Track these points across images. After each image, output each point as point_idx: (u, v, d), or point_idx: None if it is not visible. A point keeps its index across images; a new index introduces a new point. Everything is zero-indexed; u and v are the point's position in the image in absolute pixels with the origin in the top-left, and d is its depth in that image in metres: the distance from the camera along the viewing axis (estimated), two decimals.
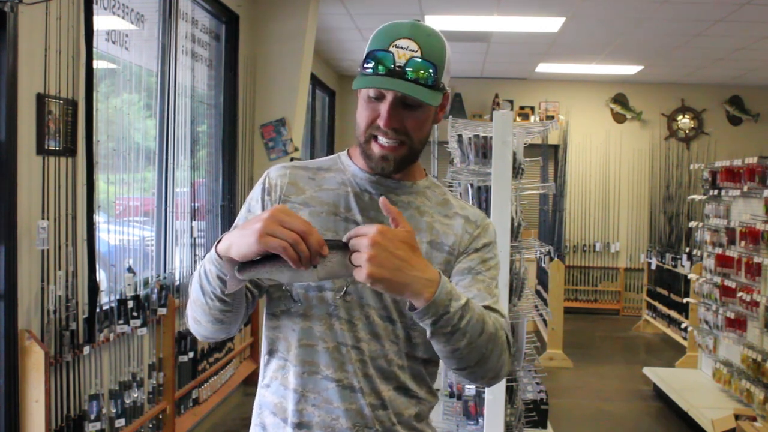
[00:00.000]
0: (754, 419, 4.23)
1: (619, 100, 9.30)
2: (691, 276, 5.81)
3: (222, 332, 1.31)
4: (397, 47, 1.25)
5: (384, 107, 1.27)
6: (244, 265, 1.13)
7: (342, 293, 1.29)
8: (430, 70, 1.25)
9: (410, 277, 1.11)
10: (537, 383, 4.11)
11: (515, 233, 3.53)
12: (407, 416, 1.34)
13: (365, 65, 1.27)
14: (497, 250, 1.43)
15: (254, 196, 1.41)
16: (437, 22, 6.29)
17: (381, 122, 1.28)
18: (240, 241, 1.11)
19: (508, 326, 1.30)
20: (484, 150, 3.57)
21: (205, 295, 1.22)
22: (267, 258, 1.12)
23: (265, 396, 1.40)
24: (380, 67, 1.24)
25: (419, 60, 1.24)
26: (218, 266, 1.17)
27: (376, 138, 1.30)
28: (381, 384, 1.31)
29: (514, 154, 3.36)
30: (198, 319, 1.29)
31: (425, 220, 1.37)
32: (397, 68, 1.24)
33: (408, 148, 1.32)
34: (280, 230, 1.07)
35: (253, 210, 1.40)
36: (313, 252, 1.08)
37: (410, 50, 1.25)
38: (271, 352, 1.38)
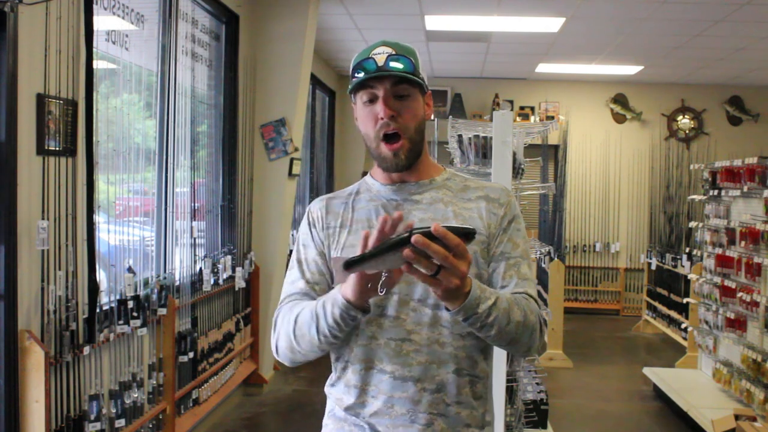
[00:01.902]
0: (754, 419, 4.23)
1: (619, 100, 9.30)
2: (691, 276, 5.81)
3: (318, 355, 1.50)
4: (376, 54, 1.48)
5: (379, 102, 1.47)
6: (350, 264, 1.26)
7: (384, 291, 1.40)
8: (407, 61, 1.48)
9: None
10: (537, 383, 4.11)
11: None
12: (464, 395, 1.48)
13: (355, 75, 1.48)
14: (522, 221, 1.58)
15: (303, 231, 1.62)
16: (437, 22, 6.29)
17: (381, 114, 1.46)
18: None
19: (536, 301, 1.48)
20: (484, 150, 3.57)
21: (320, 333, 1.41)
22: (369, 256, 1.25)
23: (331, 393, 1.57)
24: (366, 71, 1.47)
25: (396, 56, 1.47)
26: (343, 308, 1.35)
27: (384, 140, 1.49)
28: (436, 369, 1.45)
29: (514, 154, 3.36)
30: (300, 351, 1.47)
31: (450, 209, 1.53)
32: (379, 67, 1.46)
33: (409, 140, 1.49)
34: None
35: (306, 244, 1.59)
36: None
37: (386, 52, 1.48)
38: (336, 358, 1.55)
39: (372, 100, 1.48)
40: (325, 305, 1.39)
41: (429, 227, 1.21)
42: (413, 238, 1.19)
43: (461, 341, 1.47)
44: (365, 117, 1.50)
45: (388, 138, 1.48)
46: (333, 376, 1.56)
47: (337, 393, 1.53)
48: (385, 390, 1.45)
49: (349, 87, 1.49)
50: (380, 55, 1.46)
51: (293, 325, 1.46)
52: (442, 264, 1.22)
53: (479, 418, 1.51)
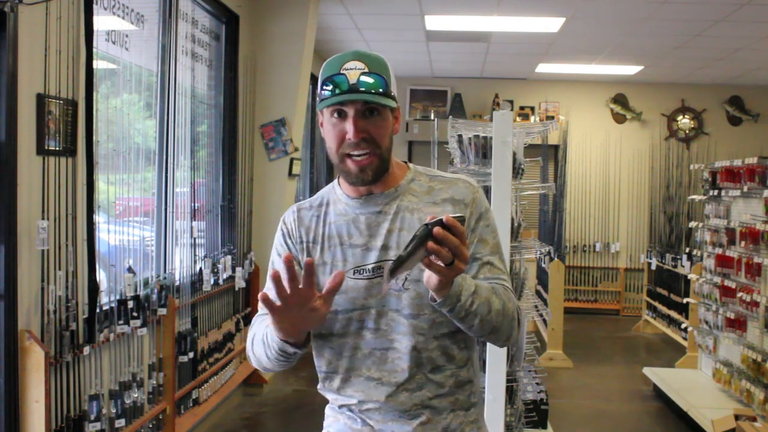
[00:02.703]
0: (754, 419, 4.23)
1: (619, 100, 9.30)
2: (691, 276, 5.81)
3: (286, 368, 1.54)
4: (347, 69, 1.43)
5: (349, 122, 1.44)
6: (392, 271, 1.30)
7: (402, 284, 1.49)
8: (380, 78, 1.44)
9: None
10: (537, 383, 4.11)
11: (515, 233, 3.53)
12: (447, 386, 1.53)
13: (324, 89, 1.45)
14: (491, 214, 1.59)
15: (278, 242, 1.63)
16: (437, 22, 6.29)
17: (350, 135, 1.44)
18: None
19: (512, 291, 1.53)
20: (484, 150, 3.57)
21: (271, 360, 1.49)
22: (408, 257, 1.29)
23: (323, 393, 1.63)
24: (337, 89, 1.43)
25: (368, 73, 1.43)
26: (280, 343, 1.42)
27: (349, 156, 1.47)
28: (417, 371, 1.50)
29: (514, 154, 3.36)
30: (262, 363, 1.54)
31: (416, 217, 1.53)
32: (351, 85, 1.42)
33: (378, 157, 1.48)
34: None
35: (281, 254, 1.60)
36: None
37: (358, 69, 1.43)
38: (320, 368, 1.59)
39: (340, 115, 1.45)
40: (269, 335, 1.45)
41: (441, 218, 1.26)
42: (435, 230, 1.24)
43: (436, 342, 1.51)
44: (332, 131, 1.47)
45: (356, 156, 1.46)
46: (320, 385, 1.61)
47: (328, 395, 1.61)
48: (372, 394, 1.51)
49: (319, 104, 1.47)
50: (352, 71, 1.43)
51: (252, 344, 1.55)
52: (454, 252, 1.26)
53: (464, 401, 1.56)
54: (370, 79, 1.43)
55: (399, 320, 1.49)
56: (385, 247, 1.50)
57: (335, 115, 1.46)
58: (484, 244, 1.54)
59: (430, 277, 1.33)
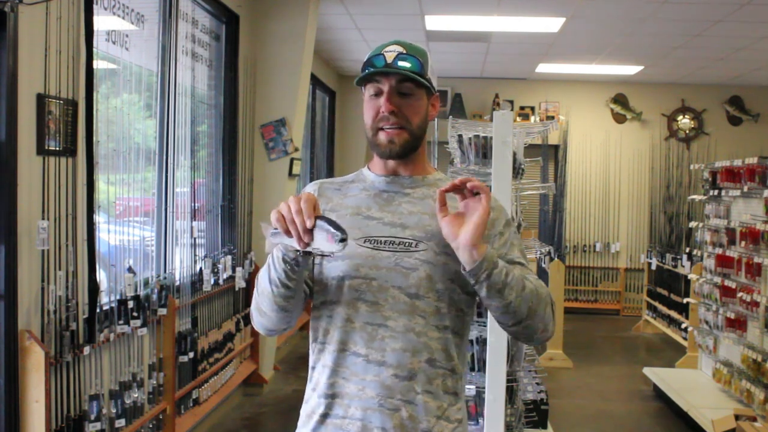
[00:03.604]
0: (754, 419, 4.23)
1: (619, 100, 9.30)
2: (691, 276, 5.81)
3: (284, 322, 1.51)
4: (387, 51, 1.54)
5: (383, 98, 1.53)
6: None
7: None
8: (416, 61, 1.53)
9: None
10: (537, 383, 4.11)
11: None
12: (435, 386, 1.50)
13: (365, 69, 1.54)
14: (512, 222, 1.63)
15: None
16: (437, 22, 6.29)
17: (383, 109, 1.52)
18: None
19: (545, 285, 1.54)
20: (484, 150, 3.57)
21: (272, 283, 1.44)
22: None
23: (312, 377, 1.58)
24: (374, 67, 1.53)
25: (405, 55, 1.53)
26: (283, 249, 1.40)
27: (381, 128, 1.54)
28: (409, 357, 1.48)
29: (514, 154, 3.36)
30: (263, 310, 1.50)
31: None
32: (387, 63, 1.52)
33: (408, 133, 1.55)
34: (284, 209, 1.36)
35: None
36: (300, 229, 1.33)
37: (396, 51, 1.53)
38: (314, 339, 1.58)
39: (377, 94, 1.54)
40: (274, 253, 1.44)
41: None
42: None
43: (437, 333, 1.50)
44: (368, 108, 1.56)
45: (387, 128, 1.54)
46: (312, 358, 1.58)
47: (315, 375, 1.56)
48: (358, 372, 1.48)
49: (356, 79, 1.57)
50: (390, 53, 1.52)
51: (256, 293, 1.52)
52: (475, 188, 1.41)
53: (448, 412, 1.52)
54: (406, 63, 1.52)
55: (400, 298, 1.49)
56: (402, 226, 1.53)
57: (372, 93, 1.55)
58: (513, 247, 1.57)
59: (463, 232, 1.39)
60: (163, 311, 3.77)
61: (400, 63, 1.51)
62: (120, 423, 3.35)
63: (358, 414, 1.47)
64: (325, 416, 1.51)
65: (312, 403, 1.55)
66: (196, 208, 4.60)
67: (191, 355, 4.21)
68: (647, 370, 5.85)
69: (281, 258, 1.41)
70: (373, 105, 1.55)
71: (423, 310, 1.49)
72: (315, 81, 7.73)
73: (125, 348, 3.48)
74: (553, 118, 9.02)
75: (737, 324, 4.77)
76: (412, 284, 1.48)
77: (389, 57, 1.52)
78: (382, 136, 1.54)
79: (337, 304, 1.51)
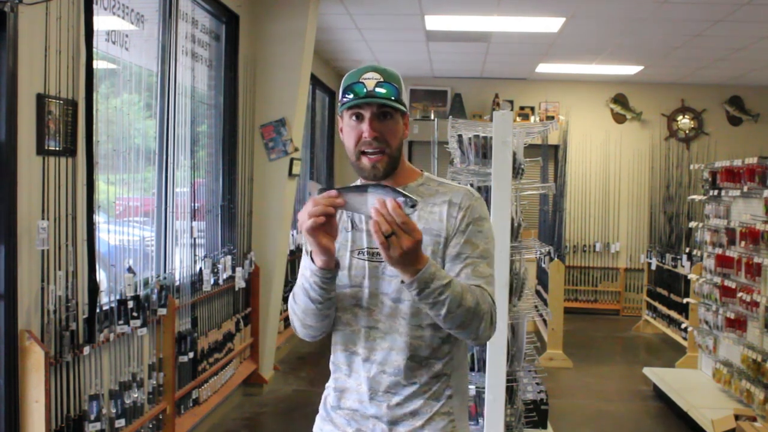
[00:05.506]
0: (754, 419, 4.24)
1: (619, 100, 9.30)
2: (691, 276, 5.81)
3: (328, 327, 1.74)
4: (365, 78, 1.67)
5: (365, 122, 1.66)
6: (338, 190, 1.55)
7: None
8: (392, 88, 1.68)
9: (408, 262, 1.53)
10: (537, 383, 4.11)
11: (515, 233, 3.53)
12: (419, 376, 1.69)
13: (345, 96, 1.67)
14: (487, 223, 1.75)
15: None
16: (437, 22, 6.29)
17: (366, 134, 1.66)
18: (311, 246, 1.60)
19: (490, 296, 1.65)
20: (484, 150, 3.57)
21: (314, 302, 1.66)
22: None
23: (331, 372, 1.83)
24: (356, 94, 1.66)
25: (383, 82, 1.67)
26: (317, 274, 1.61)
27: (364, 153, 1.68)
28: (396, 355, 1.68)
29: (514, 154, 3.36)
30: (309, 324, 1.72)
31: (416, 215, 1.68)
32: (368, 92, 1.66)
33: (388, 156, 1.69)
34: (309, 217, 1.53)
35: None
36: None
37: (375, 78, 1.67)
38: (331, 342, 1.80)
39: (358, 118, 1.67)
40: (308, 278, 1.64)
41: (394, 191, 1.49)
42: (375, 206, 1.47)
43: (419, 332, 1.68)
44: (350, 132, 1.69)
45: (370, 153, 1.68)
46: (332, 357, 1.81)
47: (330, 371, 1.81)
48: (356, 369, 1.72)
49: (340, 107, 1.70)
50: (370, 80, 1.66)
51: (294, 303, 1.73)
52: (396, 228, 1.46)
53: (437, 392, 1.70)
54: (383, 89, 1.66)
55: (386, 302, 1.69)
56: None
57: (354, 118, 1.68)
58: (472, 246, 1.69)
59: (387, 259, 1.50)
60: (162, 311, 3.77)
61: (378, 90, 1.65)
62: (120, 423, 3.35)
63: (357, 405, 1.72)
64: (334, 406, 1.77)
65: (327, 393, 1.82)
66: (196, 208, 4.60)
67: (191, 355, 4.21)
68: (647, 370, 5.85)
69: (320, 281, 1.62)
70: (354, 129, 1.68)
71: (404, 312, 1.67)
72: (315, 81, 7.72)
73: (125, 348, 3.48)
74: (553, 118, 9.01)
75: (737, 324, 4.77)
76: (394, 289, 1.67)
77: (369, 84, 1.65)
78: (366, 162, 1.68)
79: (341, 311, 1.73)
